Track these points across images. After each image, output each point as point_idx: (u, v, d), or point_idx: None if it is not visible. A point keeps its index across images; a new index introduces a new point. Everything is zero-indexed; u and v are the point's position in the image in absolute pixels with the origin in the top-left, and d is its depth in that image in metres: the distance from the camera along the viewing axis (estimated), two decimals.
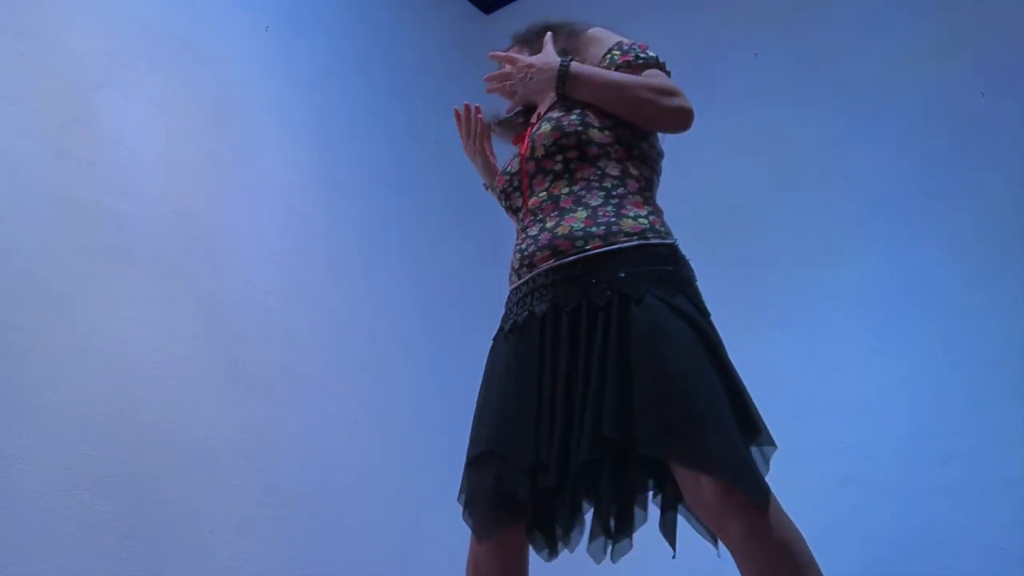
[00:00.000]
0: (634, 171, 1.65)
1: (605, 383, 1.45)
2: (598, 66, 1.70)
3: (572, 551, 1.61)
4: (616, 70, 1.67)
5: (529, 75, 1.71)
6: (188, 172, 2.41)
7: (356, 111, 3.05)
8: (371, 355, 2.79)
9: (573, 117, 1.64)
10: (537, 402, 1.53)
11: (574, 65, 1.67)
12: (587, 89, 1.65)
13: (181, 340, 2.25)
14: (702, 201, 2.96)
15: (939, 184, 2.66)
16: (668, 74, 1.70)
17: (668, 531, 1.55)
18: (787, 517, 1.40)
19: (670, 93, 1.64)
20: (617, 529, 1.58)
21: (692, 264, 1.63)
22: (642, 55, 1.70)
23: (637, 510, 1.58)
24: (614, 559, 1.59)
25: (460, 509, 1.62)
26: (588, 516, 1.62)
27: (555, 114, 1.68)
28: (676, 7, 3.29)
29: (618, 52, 1.71)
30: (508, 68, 1.75)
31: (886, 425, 2.54)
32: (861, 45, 2.89)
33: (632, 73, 1.66)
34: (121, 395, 2.08)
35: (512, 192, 1.73)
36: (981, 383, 2.45)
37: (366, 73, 3.14)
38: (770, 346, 2.72)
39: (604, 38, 1.78)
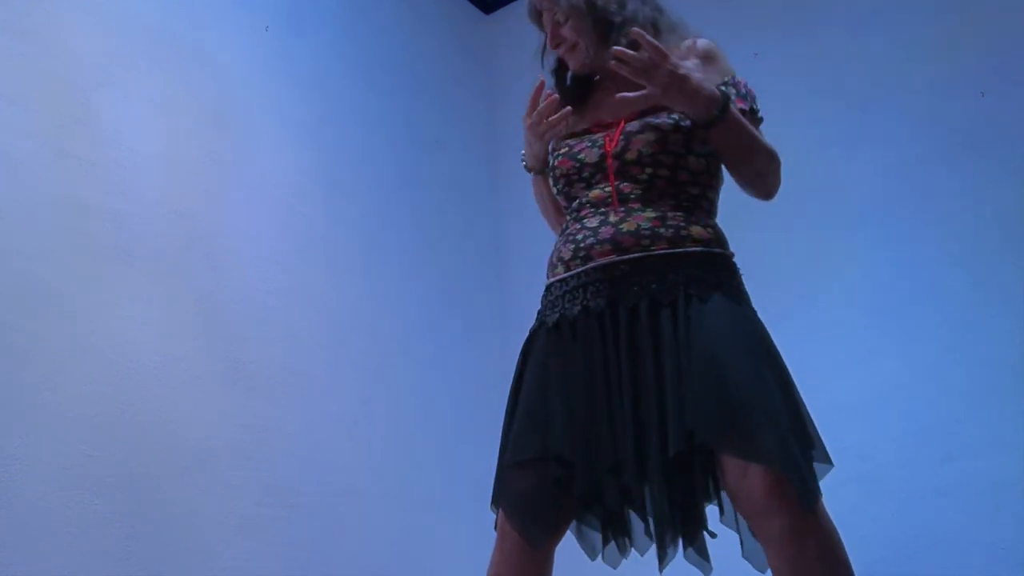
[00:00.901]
0: (711, 195, 1.65)
1: (681, 377, 1.42)
2: None
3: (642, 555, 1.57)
4: None
5: (674, 81, 1.49)
6: (188, 172, 2.41)
7: (356, 111, 3.05)
8: (371, 355, 2.79)
9: (680, 136, 1.56)
10: (606, 401, 1.48)
11: (732, 108, 1.54)
12: (728, 136, 1.55)
13: (181, 340, 2.25)
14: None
15: (939, 184, 2.65)
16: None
17: (699, 550, 1.53)
18: (832, 524, 1.37)
19: (778, 167, 1.63)
20: (685, 533, 1.53)
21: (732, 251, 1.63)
22: (758, 108, 1.65)
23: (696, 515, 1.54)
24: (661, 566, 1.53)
25: (495, 514, 1.56)
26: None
27: (662, 122, 1.58)
28: (676, 7, 3.28)
29: (734, 91, 1.63)
30: (647, 57, 1.49)
31: (886, 425, 2.54)
32: (861, 45, 2.89)
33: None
34: (121, 395, 2.08)
35: (577, 181, 1.64)
36: (981, 383, 2.45)
37: (366, 73, 3.14)
38: None
39: (719, 61, 1.68)
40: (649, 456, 1.43)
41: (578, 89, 1.79)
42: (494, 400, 2.99)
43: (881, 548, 2.41)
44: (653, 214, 1.54)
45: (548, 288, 1.63)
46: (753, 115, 1.64)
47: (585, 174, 1.63)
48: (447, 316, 3.13)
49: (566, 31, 1.71)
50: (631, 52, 1.49)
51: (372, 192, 3.01)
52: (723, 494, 1.50)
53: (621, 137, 1.59)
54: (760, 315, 1.61)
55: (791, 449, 1.37)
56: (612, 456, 1.45)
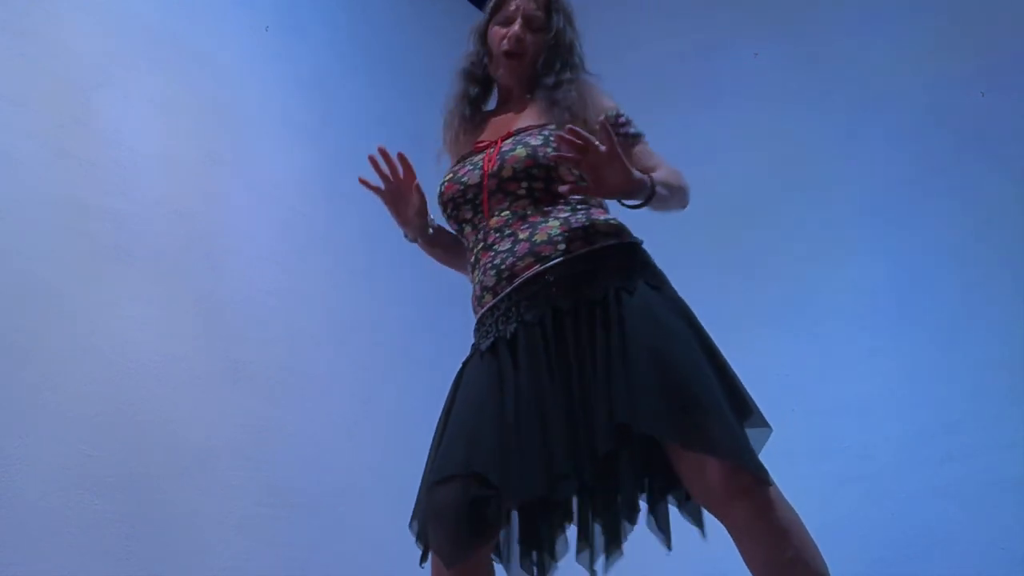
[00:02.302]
0: (596, 199, 1.68)
1: (611, 373, 1.45)
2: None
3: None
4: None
5: (608, 171, 1.50)
6: (188, 172, 2.41)
7: (356, 111, 3.05)
8: (371, 355, 2.79)
9: (550, 150, 1.62)
10: (553, 411, 1.49)
11: (658, 188, 1.57)
12: (656, 206, 1.60)
13: (181, 340, 2.25)
14: (701, 201, 2.92)
15: (939, 184, 2.66)
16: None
17: (661, 525, 1.56)
18: (785, 498, 1.42)
19: (687, 192, 1.69)
20: (611, 538, 1.58)
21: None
22: (637, 131, 1.72)
23: (625, 523, 1.59)
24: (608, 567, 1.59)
25: (414, 532, 1.61)
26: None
27: (532, 140, 1.66)
28: (676, 7, 3.29)
29: (624, 118, 1.71)
30: (579, 142, 1.48)
31: (886, 425, 2.54)
32: (861, 45, 2.89)
33: (628, 145, 1.66)
34: (121, 395, 2.08)
35: (463, 204, 1.72)
36: (981, 383, 2.45)
37: (366, 73, 3.14)
38: (770, 346, 2.72)
39: (600, 97, 1.76)
40: (584, 457, 1.46)
41: (478, 104, 1.90)
42: None
43: (881, 548, 2.41)
44: (556, 222, 1.61)
45: (479, 321, 1.70)
46: (638, 138, 1.71)
47: (469, 195, 1.71)
48: (447, 316, 3.13)
49: (530, 40, 1.80)
50: (564, 134, 1.50)
51: (372, 192, 3.00)
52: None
53: (497, 157, 1.67)
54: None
55: (738, 433, 1.42)
56: (567, 463, 1.46)
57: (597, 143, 1.48)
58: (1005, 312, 2.47)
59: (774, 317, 2.78)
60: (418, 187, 1.85)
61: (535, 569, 1.62)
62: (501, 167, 1.65)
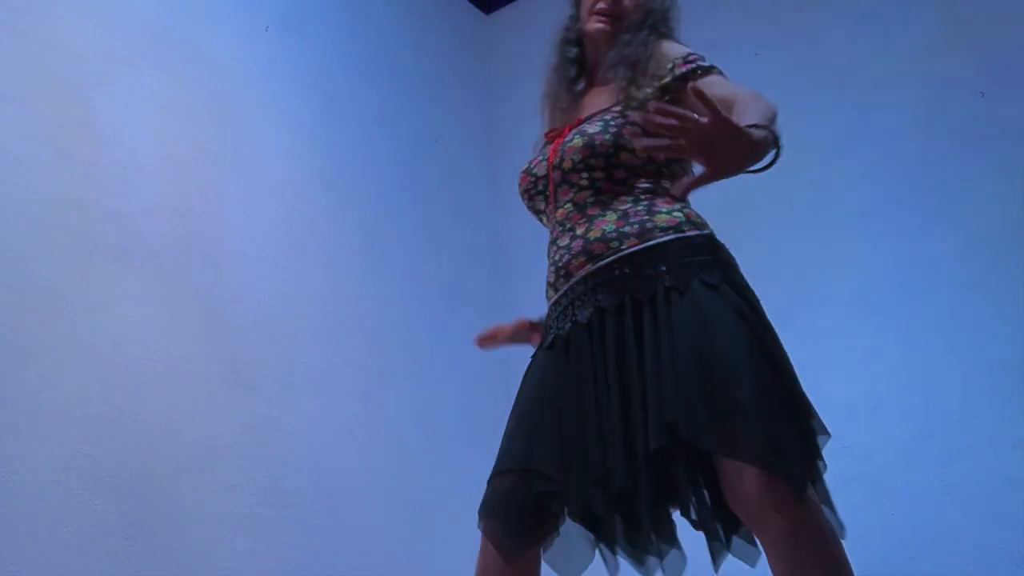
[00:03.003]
0: (666, 183, 1.62)
1: (662, 374, 1.41)
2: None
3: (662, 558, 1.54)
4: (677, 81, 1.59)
5: (722, 145, 1.28)
6: (188, 172, 2.41)
7: (356, 111, 3.05)
8: (371, 355, 2.79)
9: (607, 137, 1.57)
10: (595, 412, 1.47)
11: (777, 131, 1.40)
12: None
13: (181, 340, 2.25)
14: (701, 201, 2.95)
15: (939, 184, 2.65)
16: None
17: (745, 543, 1.51)
18: (826, 519, 1.38)
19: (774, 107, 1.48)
20: (661, 537, 1.51)
21: (711, 228, 1.62)
22: (713, 65, 1.62)
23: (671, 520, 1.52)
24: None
25: (477, 522, 1.55)
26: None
27: (591, 128, 1.61)
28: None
29: (684, 68, 1.61)
30: (671, 121, 1.26)
31: (886, 425, 2.54)
32: (861, 45, 2.89)
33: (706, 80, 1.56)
34: (121, 395, 2.08)
35: (536, 195, 1.70)
36: (981, 383, 2.45)
37: (366, 73, 3.14)
38: None
39: (668, 47, 1.67)
40: (640, 455, 1.42)
41: (577, 74, 1.80)
42: (494, 400, 3.00)
43: (881, 548, 2.41)
44: (613, 215, 1.56)
45: (548, 311, 1.66)
46: (709, 71, 1.61)
47: (540, 187, 1.68)
48: (447, 316, 3.13)
49: (627, 1, 1.72)
50: (690, 115, 1.27)
51: (372, 192, 3.01)
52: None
53: (560, 147, 1.63)
54: (755, 299, 1.59)
55: (784, 442, 1.36)
56: (600, 465, 1.44)
57: (694, 116, 1.25)
58: (1005, 312, 2.47)
59: (774, 317, 2.77)
60: (515, 330, 1.82)
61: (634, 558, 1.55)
62: (562, 159, 1.62)
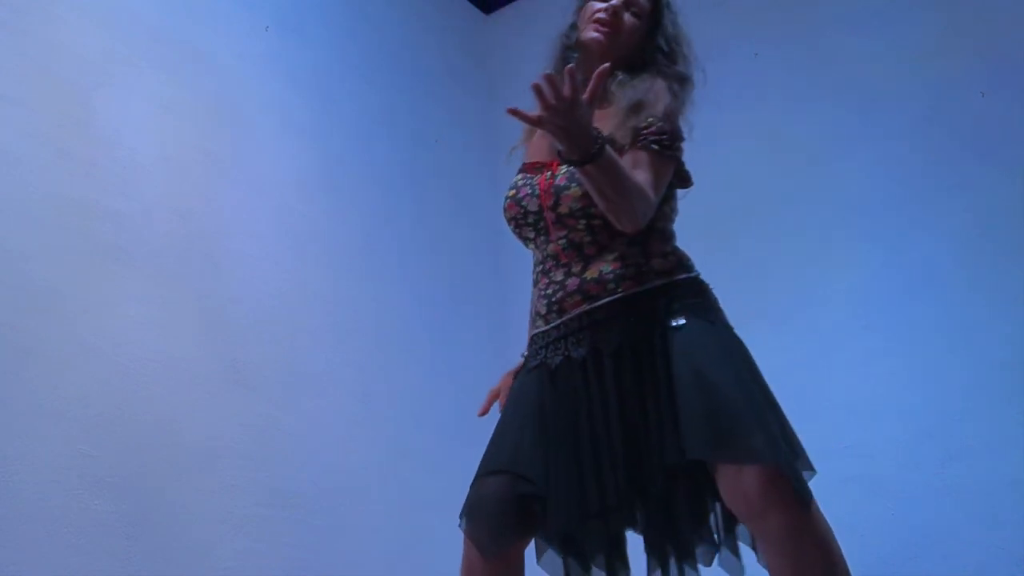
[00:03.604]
0: (660, 224, 1.65)
1: (662, 412, 1.46)
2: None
3: None
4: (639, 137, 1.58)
5: (567, 120, 1.39)
6: (188, 172, 2.41)
7: (356, 111, 3.05)
8: (371, 355, 2.79)
9: None
10: (591, 447, 1.51)
11: (607, 151, 1.46)
12: (599, 176, 1.47)
13: (181, 340, 2.25)
14: (701, 201, 2.93)
15: (939, 184, 2.65)
16: (678, 150, 1.63)
17: (733, 553, 1.56)
18: (825, 519, 1.40)
19: (645, 208, 1.54)
20: (685, 557, 1.57)
21: (697, 270, 1.65)
22: (667, 146, 1.58)
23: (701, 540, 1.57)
24: None
25: (459, 522, 1.59)
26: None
27: None
28: (676, 7, 3.28)
29: (655, 126, 1.59)
30: (551, 94, 1.37)
31: (886, 425, 2.54)
32: (861, 45, 2.89)
33: (639, 148, 1.56)
34: (121, 395, 2.08)
35: (525, 226, 1.68)
36: (981, 383, 2.45)
37: (366, 73, 3.14)
38: (770, 346, 2.70)
39: (660, 99, 1.63)
40: (645, 490, 1.48)
41: None
42: None
43: (881, 548, 2.41)
44: (611, 256, 1.58)
45: (532, 339, 1.68)
46: (659, 147, 1.58)
47: (531, 220, 1.67)
48: (447, 315, 3.13)
49: (627, 19, 1.71)
50: (555, 87, 1.37)
51: (372, 192, 3.01)
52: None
53: (553, 190, 1.62)
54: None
55: (783, 448, 1.40)
56: (598, 503, 1.49)
57: (574, 96, 1.35)
58: (1005, 312, 2.47)
59: (774, 317, 2.78)
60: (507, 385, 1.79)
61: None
62: (557, 203, 1.61)
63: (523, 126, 1.76)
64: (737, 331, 1.63)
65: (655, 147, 1.58)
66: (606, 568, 1.58)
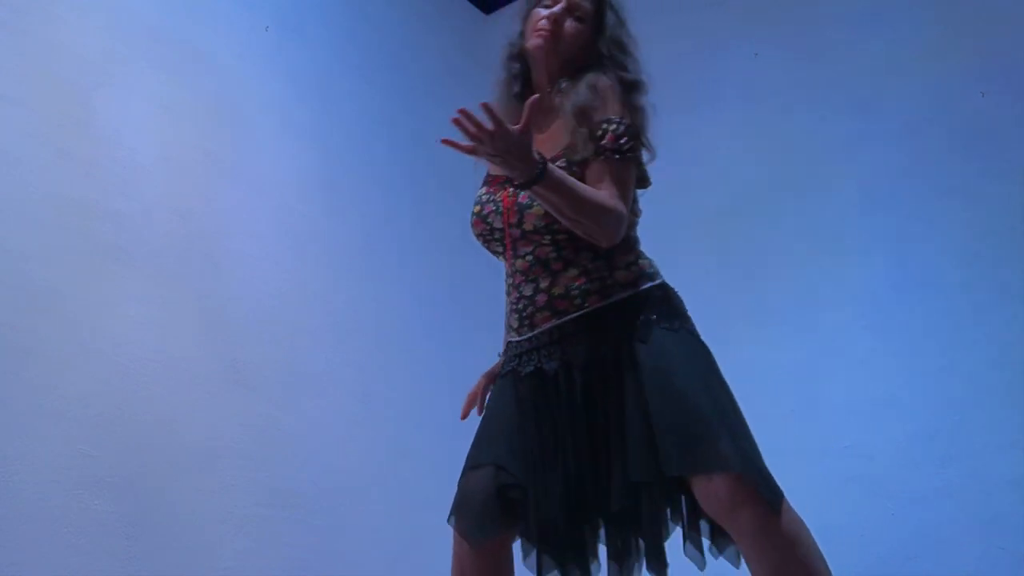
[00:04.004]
0: (625, 233, 1.64)
1: (627, 428, 1.50)
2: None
3: None
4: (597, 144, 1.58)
5: (498, 149, 1.43)
6: (188, 172, 2.41)
7: (356, 111, 3.05)
8: (371, 355, 2.79)
9: None
10: (552, 460, 1.56)
11: (550, 171, 1.47)
12: (545, 199, 1.50)
13: (181, 340, 2.25)
14: (702, 201, 2.95)
15: (939, 184, 2.65)
16: (639, 152, 1.62)
17: (696, 548, 1.58)
18: (795, 512, 1.45)
19: (610, 221, 1.54)
20: (653, 557, 1.58)
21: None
22: (627, 149, 1.58)
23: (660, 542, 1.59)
24: None
25: (448, 519, 1.63)
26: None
27: None
28: (676, 7, 3.29)
29: (610, 128, 1.58)
30: (473, 128, 1.42)
31: (886, 425, 2.54)
32: (861, 45, 2.89)
33: (598, 165, 1.56)
34: (121, 395, 2.08)
35: (492, 241, 1.72)
36: (981, 383, 2.45)
37: (366, 73, 3.14)
38: (770, 346, 2.72)
39: (608, 101, 1.61)
40: (609, 496, 1.51)
41: (518, 96, 1.76)
42: None
43: (881, 548, 2.41)
44: (576, 271, 1.61)
45: (508, 346, 1.71)
46: (620, 155, 1.58)
47: (497, 236, 1.70)
48: (447, 315, 3.13)
49: (568, 24, 1.70)
50: (474, 121, 1.41)
51: (372, 192, 3.01)
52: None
53: (516, 208, 1.64)
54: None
55: (749, 451, 1.46)
56: (564, 506, 1.54)
57: (488, 129, 1.39)
58: (1005, 312, 2.47)
59: (774, 317, 2.78)
60: (485, 387, 1.82)
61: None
62: (521, 220, 1.63)
63: None
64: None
65: (616, 156, 1.58)
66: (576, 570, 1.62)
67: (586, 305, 1.59)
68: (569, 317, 1.59)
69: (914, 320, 2.60)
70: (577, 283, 1.60)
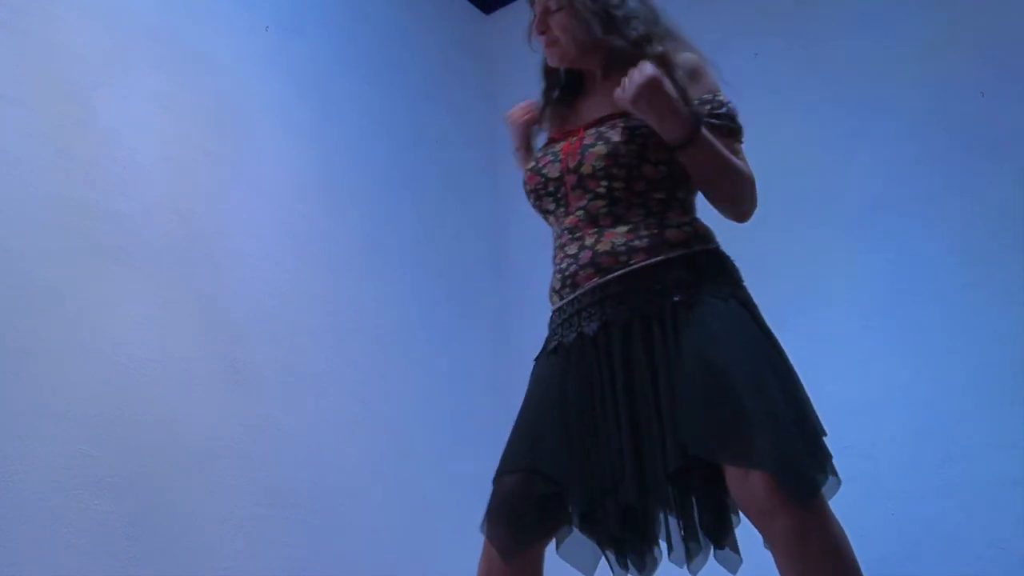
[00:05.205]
0: (680, 194, 1.62)
1: (675, 389, 1.43)
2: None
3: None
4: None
5: (648, 95, 1.48)
6: (188, 172, 2.41)
7: (356, 111, 3.05)
8: (372, 355, 2.79)
9: (633, 147, 1.55)
10: (603, 424, 1.49)
11: (704, 133, 1.52)
12: (696, 159, 1.54)
13: (181, 340, 2.25)
14: (701, 201, 2.95)
15: (939, 184, 2.66)
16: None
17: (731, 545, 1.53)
18: (836, 521, 1.38)
19: (751, 190, 1.63)
20: (715, 536, 1.52)
21: (717, 242, 1.63)
22: (737, 126, 1.63)
23: (732, 516, 1.52)
24: (729, 568, 1.55)
25: (480, 525, 1.56)
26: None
27: (614, 135, 1.57)
28: (676, 6, 3.28)
29: (709, 107, 1.59)
30: (637, 76, 1.48)
31: (887, 425, 2.54)
32: (861, 45, 2.89)
33: (720, 137, 1.57)
34: (121, 395, 2.08)
35: (545, 196, 1.65)
36: (981, 383, 2.45)
37: (366, 73, 3.14)
38: None
39: (704, 76, 1.64)
40: (650, 471, 1.44)
41: (567, 87, 1.78)
42: (494, 400, 3.00)
43: (881, 548, 2.41)
44: (625, 228, 1.55)
45: (551, 318, 1.65)
46: (731, 133, 1.61)
47: (551, 188, 1.64)
48: (447, 316, 3.13)
49: (553, 22, 1.69)
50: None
51: (372, 192, 3.01)
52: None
53: (579, 150, 1.60)
54: (760, 315, 1.61)
55: (788, 445, 1.37)
56: (610, 478, 1.47)
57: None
58: (1005, 312, 2.47)
59: (774, 317, 2.76)
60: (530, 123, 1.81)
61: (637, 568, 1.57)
62: (581, 163, 1.58)
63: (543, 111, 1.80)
64: None
65: (731, 129, 1.62)
66: (621, 548, 1.55)
67: (632, 262, 1.51)
68: (613, 274, 1.51)
69: (914, 320, 2.60)
70: (625, 239, 1.53)
